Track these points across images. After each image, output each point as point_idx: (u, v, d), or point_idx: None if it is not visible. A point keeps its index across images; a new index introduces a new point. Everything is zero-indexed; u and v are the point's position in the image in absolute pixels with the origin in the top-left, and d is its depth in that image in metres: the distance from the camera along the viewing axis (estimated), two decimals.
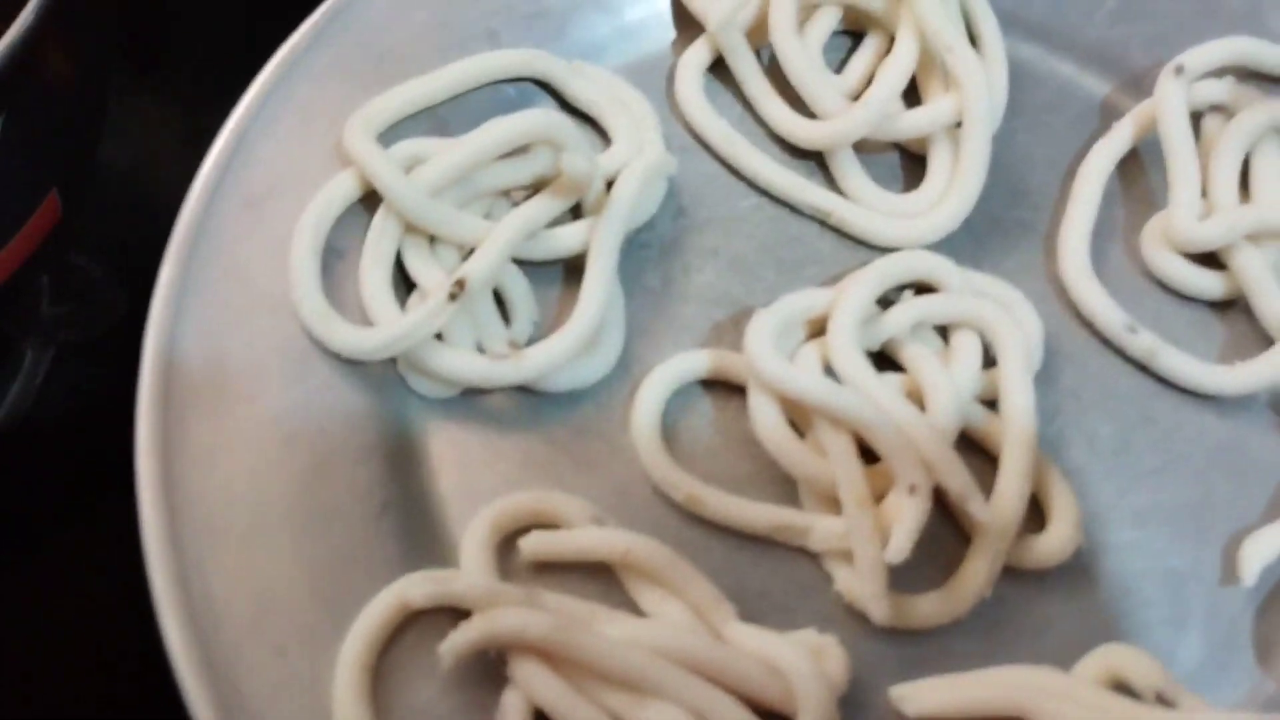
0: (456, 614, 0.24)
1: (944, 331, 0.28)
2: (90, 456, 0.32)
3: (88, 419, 0.33)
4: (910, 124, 0.30)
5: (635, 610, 0.25)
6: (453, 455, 0.27)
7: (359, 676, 0.23)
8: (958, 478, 0.25)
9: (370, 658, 0.23)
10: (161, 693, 0.23)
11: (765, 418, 0.26)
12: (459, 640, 0.23)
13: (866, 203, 0.30)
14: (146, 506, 0.24)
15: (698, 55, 0.32)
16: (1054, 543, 0.26)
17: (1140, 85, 0.32)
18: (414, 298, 0.28)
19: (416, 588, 0.24)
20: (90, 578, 0.31)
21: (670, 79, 0.32)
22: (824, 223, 0.30)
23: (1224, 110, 0.31)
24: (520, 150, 0.29)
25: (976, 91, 0.29)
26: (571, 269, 0.29)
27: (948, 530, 0.26)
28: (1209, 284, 0.30)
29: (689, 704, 0.22)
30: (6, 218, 0.26)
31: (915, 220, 0.30)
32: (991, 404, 0.27)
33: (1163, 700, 0.23)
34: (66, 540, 0.31)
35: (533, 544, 0.25)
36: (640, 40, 0.33)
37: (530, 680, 0.23)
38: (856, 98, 0.31)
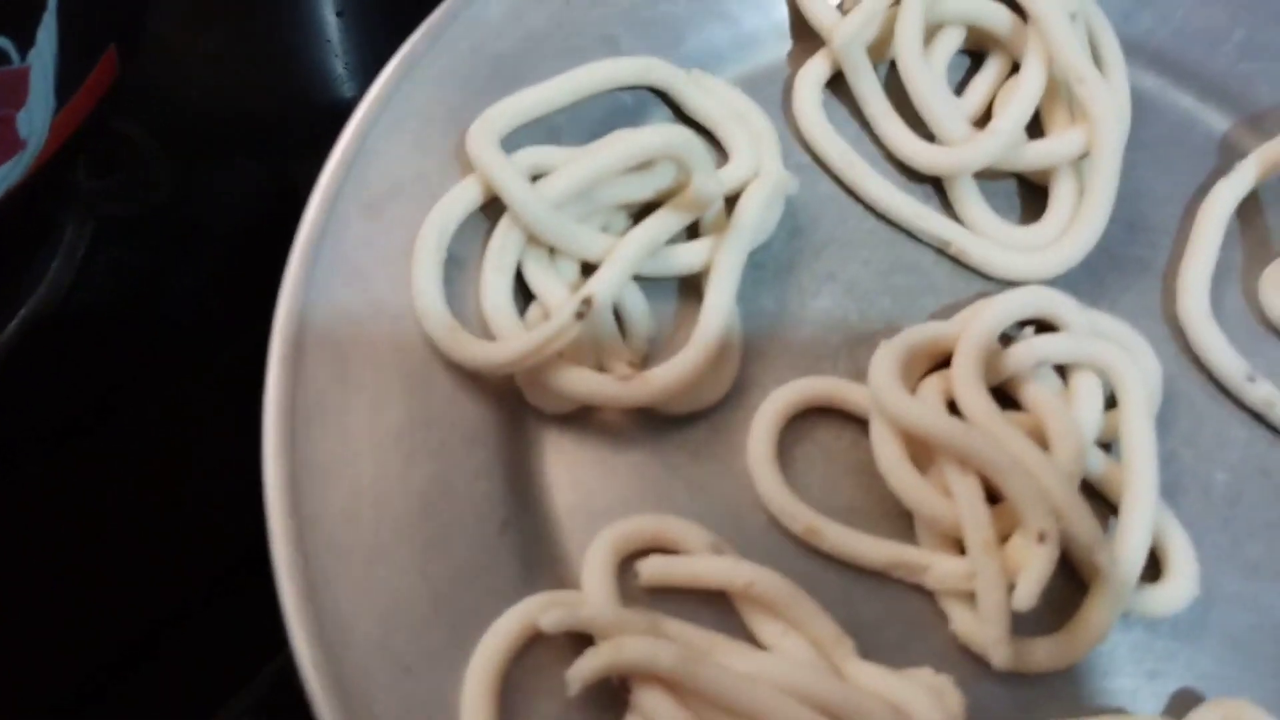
0: (578, 635, 0.24)
1: (1061, 370, 0.28)
2: (134, 338, 0.32)
3: (132, 299, 0.32)
4: (1036, 155, 0.30)
5: (751, 640, 0.25)
6: (568, 472, 0.27)
7: (486, 697, 0.23)
8: (1087, 527, 0.24)
9: (496, 680, 0.23)
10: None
11: (888, 452, 0.26)
12: (587, 667, 0.23)
13: (987, 233, 0.30)
14: (275, 523, 0.24)
15: (817, 70, 0.31)
16: (1171, 593, 0.26)
17: (1263, 123, 0.32)
18: (533, 309, 0.28)
19: (545, 613, 0.23)
20: (129, 466, 0.31)
21: (786, 92, 0.32)
22: (941, 251, 0.30)
23: None
24: (643, 164, 0.28)
25: (1109, 126, 0.29)
26: (686, 285, 0.29)
27: (1061, 571, 0.26)
28: None
29: None
30: (69, 74, 0.26)
31: (1036, 254, 0.29)
32: (1106, 447, 0.27)
33: None
34: (108, 430, 0.31)
35: (653, 569, 0.25)
36: (756, 50, 0.32)
37: (654, 709, 0.23)
38: (976, 122, 0.31)
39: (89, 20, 0.26)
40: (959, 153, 0.30)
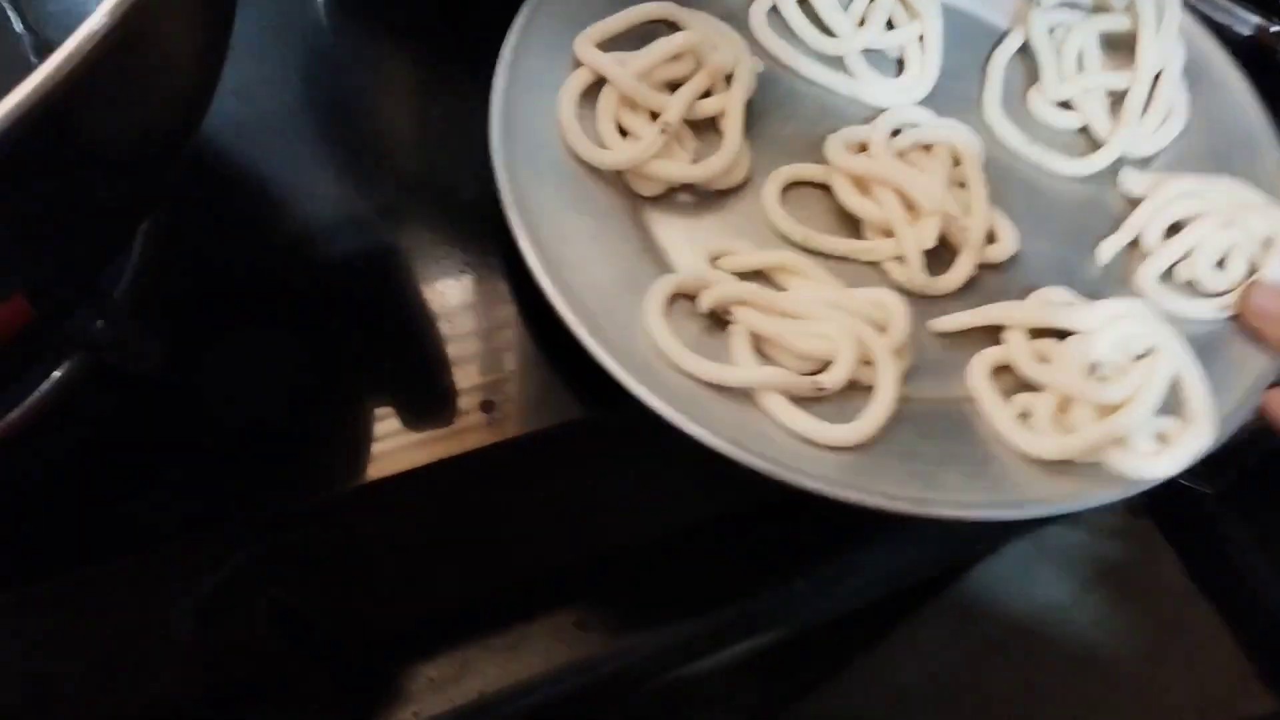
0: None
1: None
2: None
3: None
4: (894, 39, 0.52)
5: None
6: (664, 223, 0.46)
7: (659, 314, 0.42)
8: (954, 207, 0.45)
9: (661, 308, 0.42)
10: None
11: (843, 186, 0.47)
12: (709, 295, 0.42)
13: (871, 83, 0.51)
14: (524, 242, 0.42)
15: (761, 3, 0.52)
16: (1002, 249, 0.47)
17: None
18: (629, 139, 0.47)
19: (681, 278, 0.43)
20: None
21: (743, 16, 0.52)
22: (848, 96, 0.51)
23: None
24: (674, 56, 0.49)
25: (934, 18, 0.51)
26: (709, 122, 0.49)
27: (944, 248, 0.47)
28: None
29: (838, 321, 0.42)
30: None
31: (901, 93, 0.51)
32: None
33: None
34: None
35: (730, 261, 0.44)
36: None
37: (745, 318, 0.42)
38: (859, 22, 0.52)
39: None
40: (847, 42, 0.51)
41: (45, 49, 0.41)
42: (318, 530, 0.43)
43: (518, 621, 0.47)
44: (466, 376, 0.45)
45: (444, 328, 0.46)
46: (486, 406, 0.44)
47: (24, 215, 0.27)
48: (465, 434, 0.43)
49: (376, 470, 0.42)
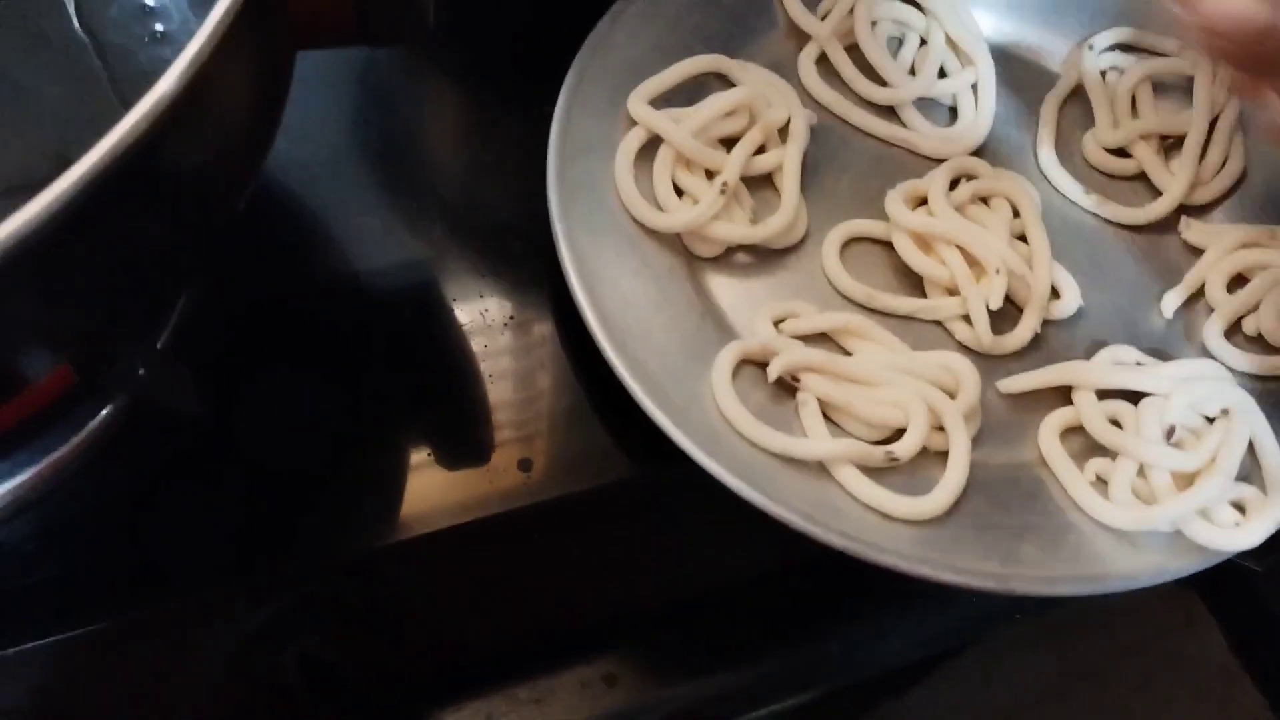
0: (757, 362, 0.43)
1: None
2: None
3: None
4: (944, 88, 0.51)
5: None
6: (723, 284, 0.45)
7: (726, 382, 0.41)
8: (1019, 266, 0.45)
9: (728, 374, 0.41)
10: None
11: (905, 244, 0.46)
12: (777, 365, 0.41)
13: (925, 133, 0.50)
14: (585, 307, 0.41)
15: (809, 52, 0.51)
16: (1065, 305, 0.46)
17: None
18: (685, 199, 0.46)
19: (746, 345, 0.42)
20: None
21: (792, 68, 0.52)
22: (901, 147, 0.50)
23: None
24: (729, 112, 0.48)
25: (987, 65, 0.50)
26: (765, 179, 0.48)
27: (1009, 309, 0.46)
28: None
29: (907, 386, 0.42)
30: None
31: (954, 142, 0.50)
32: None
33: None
34: None
35: (793, 325, 0.44)
36: (771, 46, 0.52)
37: (812, 384, 0.42)
38: (909, 71, 0.52)
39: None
40: (900, 91, 0.50)
41: (99, 51, 0.40)
42: (351, 582, 0.43)
43: (545, 674, 0.46)
44: (506, 431, 0.45)
45: (487, 379, 0.46)
46: (524, 465, 0.44)
47: (81, 290, 0.27)
48: (503, 493, 0.43)
49: (412, 526, 0.42)
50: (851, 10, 0.51)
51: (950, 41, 0.52)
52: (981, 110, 0.51)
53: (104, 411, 0.37)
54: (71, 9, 0.40)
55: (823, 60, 0.52)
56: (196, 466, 0.39)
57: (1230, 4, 0.37)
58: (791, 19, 0.52)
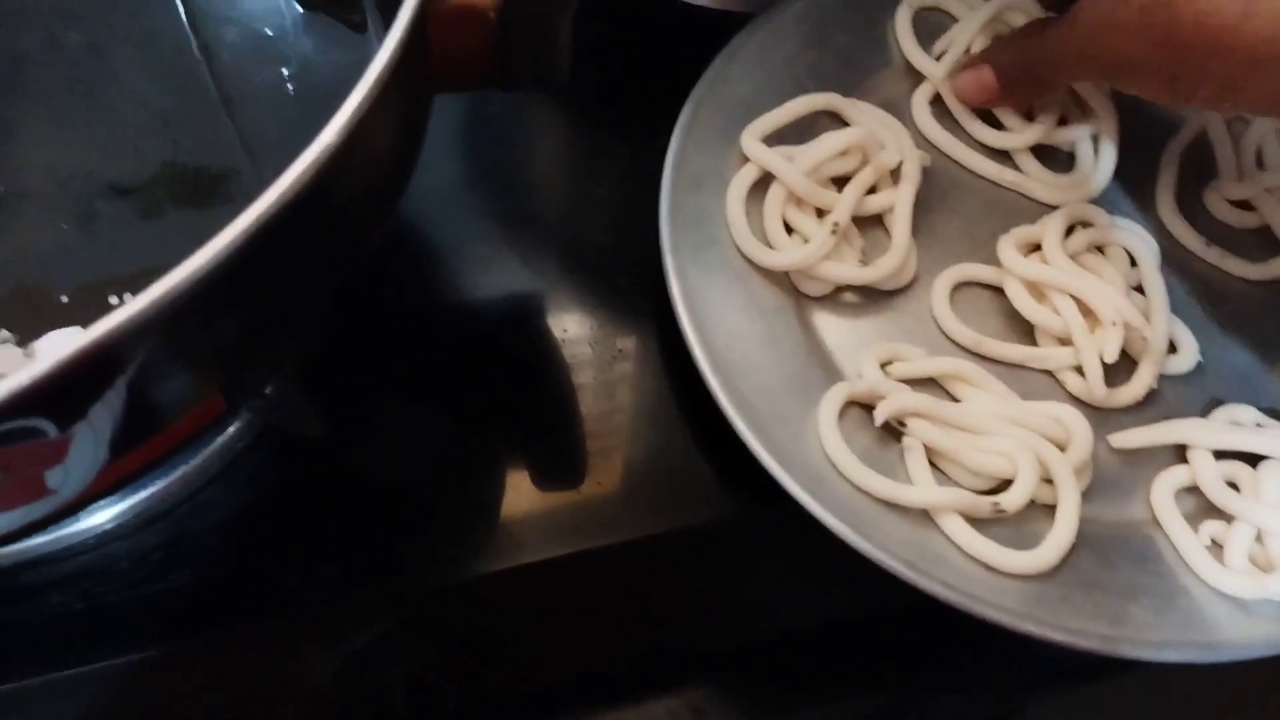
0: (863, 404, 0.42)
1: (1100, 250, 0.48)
2: None
3: None
4: (1064, 135, 0.50)
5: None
6: (830, 324, 0.45)
7: (833, 427, 0.41)
8: (1136, 317, 0.44)
9: (834, 418, 0.41)
10: None
11: (1017, 291, 0.45)
12: (885, 408, 0.41)
13: (1039, 178, 0.49)
14: (690, 333, 0.41)
15: (924, 92, 0.51)
16: (1182, 361, 0.45)
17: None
18: (795, 237, 0.46)
19: (854, 387, 0.42)
20: None
21: (905, 107, 0.51)
22: (1016, 190, 0.50)
23: None
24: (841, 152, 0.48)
25: (1111, 118, 0.49)
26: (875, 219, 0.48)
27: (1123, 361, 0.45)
28: None
29: (1016, 437, 0.41)
30: (134, 431, 0.25)
31: (1071, 190, 0.49)
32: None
33: None
34: None
35: (900, 369, 0.43)
36: (884, 85, 0.52)
37: (919, 429, 0.41)
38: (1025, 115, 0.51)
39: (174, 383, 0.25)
40: (1017, 137, 0.50)
41: (204, 49, 0.42)
42: (455, 606, 0.43)
43: (632, 703, 0.47)
44: (608, 462, 0.45)
45: (592, 413, 0.46)
46: (625, 497, 0.44)
47: (252, 323, 0.28)
48: (603, 524, 0.44)
49: (516, 555, 0.42)
50: (968, 51, 0.51)
51: (1070, 88, 0.51)
52: (1102, 158, 0.50)
53: (230, 429, 0.39)
54: (189, 31, 0.42)
55: (936, 101, 0.51)
56: (313, 486, 0.41)
57: (962, 85, 0.50)
58: (906, 59, 0.52)
